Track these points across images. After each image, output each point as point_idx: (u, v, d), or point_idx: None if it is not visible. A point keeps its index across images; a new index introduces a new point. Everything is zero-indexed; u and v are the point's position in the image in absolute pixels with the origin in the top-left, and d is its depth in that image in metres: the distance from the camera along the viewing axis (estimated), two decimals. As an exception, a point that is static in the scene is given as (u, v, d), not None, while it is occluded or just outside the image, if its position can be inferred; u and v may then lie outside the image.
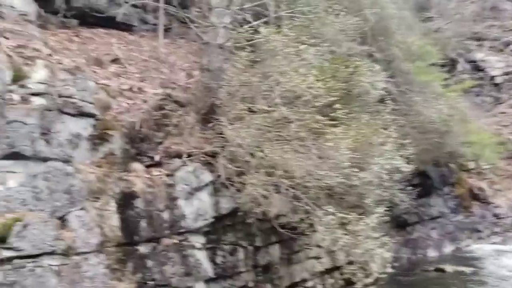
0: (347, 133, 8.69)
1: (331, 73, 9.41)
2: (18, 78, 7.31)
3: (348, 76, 9.85)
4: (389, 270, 8.57)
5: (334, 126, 8.62)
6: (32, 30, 8.44)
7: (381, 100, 11.20)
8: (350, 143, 8.57)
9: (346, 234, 8.13)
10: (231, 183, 8.56)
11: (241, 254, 9.05)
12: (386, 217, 9.12)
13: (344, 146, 8.46)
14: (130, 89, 9.23)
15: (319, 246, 9.98)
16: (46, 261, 6.56)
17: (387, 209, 9.32)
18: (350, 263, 8.98)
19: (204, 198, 8.60)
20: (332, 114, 8.74)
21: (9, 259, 6.27)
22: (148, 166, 8.49)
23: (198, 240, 8.43)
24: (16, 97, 7.15)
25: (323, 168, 8.32)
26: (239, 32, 9.14)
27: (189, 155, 8.68)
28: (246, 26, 9.21)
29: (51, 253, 6.65)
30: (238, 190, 8.47)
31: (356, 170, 8.57)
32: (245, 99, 9.11)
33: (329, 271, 10.80)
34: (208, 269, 8.40)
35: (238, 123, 8.80)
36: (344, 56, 10.51)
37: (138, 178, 8.22)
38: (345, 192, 8.94)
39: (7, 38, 7.71)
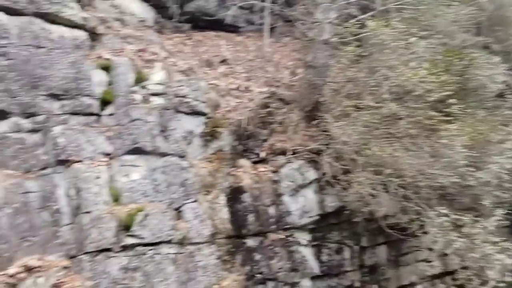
0: (462, 130, 8.14)
1: (444, 66, 8.87)
2: (140, 80, 7.95)
3: (462, 69, 9.21)
4: (510, 279, 7.84)
5: (448, 122, 8.13)
6: (150, 35, 9.12)
7: (500, 95, 10.32)
8: (465, 141, 8.03)
9: (460, 237, 7.63)
10: (336, 181, 8.47)
11: (347, 253, 8.92)
12: (506, 221, 8.38)
13: (459, 143, 7.94)
14: (237, 88, 9.54)
15: (430, 249, 9.46)
16: (164, 249, 7.03)
17: (508, 212, 8.56)
18: (465, 268, 8.38)
19: (309, 196, 8.61)
20: (446, 110, 8.24)
21: (132, 246, 6.83)
22: (254, 162, 8.71)
23: (303, 237, 8.47)
24: (138, 97, 7.79)
25: (436, 167, 7.91)
26: (345, 27, 8.99)
27: (294, 152, 8.75)
28: (352, 21, 9.03)
29: (168, 242, 7.11)
30: (344, 189, 8.35)
31: (472, 169, 8.01)
32: (351, 96, 8.95)
33: (440, 276, 10.21)
34: (314, 266, 8.41)
35: (344, 120, 8.67)
36: (458, 48, 9.85)
37: (245, 173, 8.48)
38: (459, 192, 8.40)
39: (130, 43, 8.41)
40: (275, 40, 10.85)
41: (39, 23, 7.40)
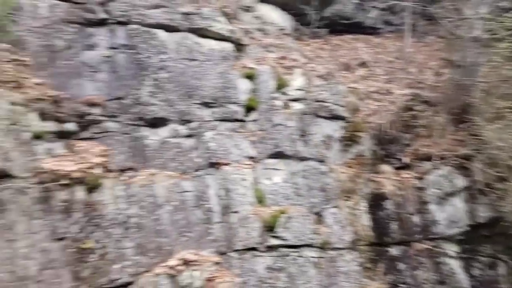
0: None
1: None
2: (281, 86, 8.23)
3: None
4: None
5: None
6: (290, 42, 9.41)
7: None
8: None
9: None
10: (490, 189, 7.79)
11: (501, 268, 8.11)
12: None
13: None
14: (377, 91, 9.33)
15: None
16: (306, 252, 7.16)
17: None
18: None
19: (458, 204, 8.05)
20: None
21: (276, 247, 7.07)
22: (396, 168, 8.43)
23: (451, 248, 7.94)
24: (279, 103, 8.08)
25: None
26: (498, 22, 8.24)
27: (441, 158, 8.25)
28: (507, 14, 8.24)
29: (310, 246, 7.23)
30: (500, 198, 7.64)
31: None
32: (506, 96, 8.16)
33: None
34: (463, 280, 7.82)
35: (498, 123, 7.95)
36: None
37: (387, 179, 8.24)
38: None
39: (271, 52, 8.75)
40: (416, 40, 10.39)
41: (192, 37, 8.08)
